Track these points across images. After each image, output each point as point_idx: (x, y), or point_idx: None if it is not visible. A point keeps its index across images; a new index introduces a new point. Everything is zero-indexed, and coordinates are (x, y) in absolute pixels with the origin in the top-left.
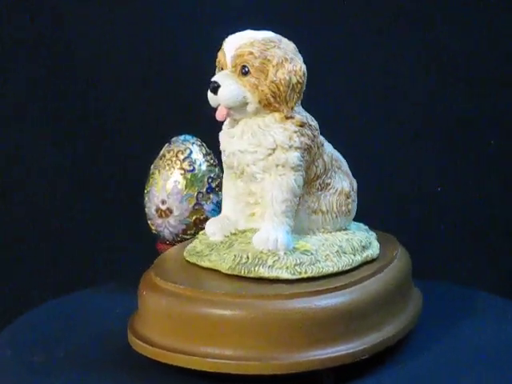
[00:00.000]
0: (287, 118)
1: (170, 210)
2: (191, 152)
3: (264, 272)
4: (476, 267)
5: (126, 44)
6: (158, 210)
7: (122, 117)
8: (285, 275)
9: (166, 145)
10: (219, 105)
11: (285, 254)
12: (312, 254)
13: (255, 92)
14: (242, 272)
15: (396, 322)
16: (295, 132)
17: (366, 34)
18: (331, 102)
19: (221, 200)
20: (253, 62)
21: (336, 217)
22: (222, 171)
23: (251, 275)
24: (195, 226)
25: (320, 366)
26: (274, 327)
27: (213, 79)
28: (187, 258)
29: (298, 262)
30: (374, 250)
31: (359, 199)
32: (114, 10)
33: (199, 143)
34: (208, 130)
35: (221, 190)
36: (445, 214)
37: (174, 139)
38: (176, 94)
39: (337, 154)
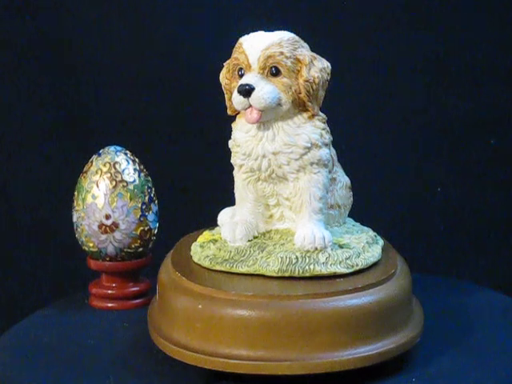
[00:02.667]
0: (313, 115)
1: (115, 225)
2: (128, 163)
3: (320, 269)
4: (476, 267)
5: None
6: (101, 225)
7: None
8: (341, 270)
9: (95, 157)
10: (249, 107)
11: (331, 249)
12: (352, 247)
13: (288, 92)
14: (296, 272)
15: (418, 320)
16: (323, 129)
17: (366, 33)
18: (331, 101)
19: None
20: (285, 62)
21: (345, 211)
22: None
23: (307, 274)
24: (140, 239)
25: (360, 365)
26: (343, 323)
27: (244, 82)
28: (216, 268)
29: (347, 255)
30: (379, 239)
31: (359, 199)
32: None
33: (129, 153)
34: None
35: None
36: (445, 214)
37: (103, 151)
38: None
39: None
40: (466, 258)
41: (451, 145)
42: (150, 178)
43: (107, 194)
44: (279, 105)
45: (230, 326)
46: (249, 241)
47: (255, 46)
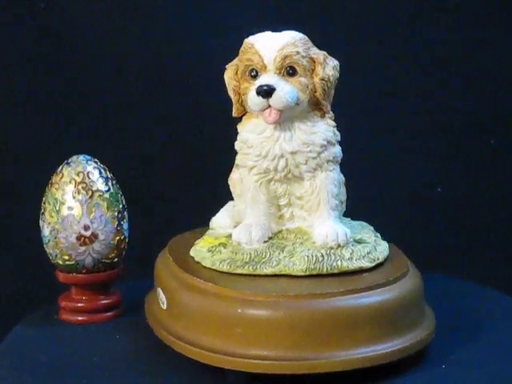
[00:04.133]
0: (325, 113)
1: (94, 236)
2: (100, 171)
3: (348, 265)
4: (476, 267)
5: None
6: (80, 237)
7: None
8: (366, 264)
9: (65, 167)
10: (267, 108)
11: (352, 245)
12: (368, 241)
13: (305, 91)
14: (324, 270)
15: (431, 316)
16: (335, 127)
17: (366, 33)
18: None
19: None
20: (301, 62)
21: (343, 207)
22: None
23: (335, 271)
24: (117, 248)
25: (381, 361)
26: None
27: (264, 83)
28: (237, 271)
29: (368, 250)
30: (377, 233)
31: (359, 199)
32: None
33: (98, 162)
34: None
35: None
36: (445, 214)
37: (72, 160)
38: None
39: None
40: (466, 258)
41: (451, 145)
42: (119, 186)
43: (84, 204)
44: (297, 104)
45: (270, 327)
46: (264, 242)
47: (270, 46)
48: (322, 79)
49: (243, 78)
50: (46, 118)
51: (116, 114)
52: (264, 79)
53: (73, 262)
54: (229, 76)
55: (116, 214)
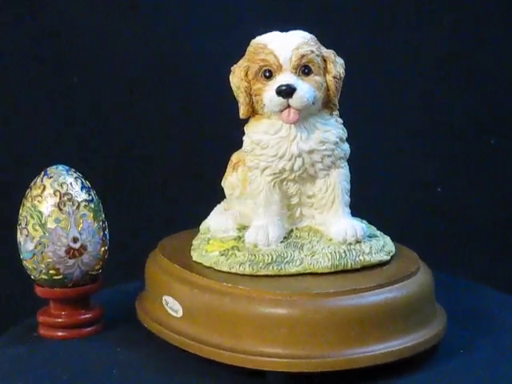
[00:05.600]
0: (333, 111)
1: (83, 247)
2: (81, 181)
3: (370, 259)
4: (476, 267)
5: None
6: (69, 250)
7: None
8: (384, 257)
9: (45, 178)
10: (286, 108)
11: (367, 240)
12: (377, 235)
13: (321, 90)
14: (349, 265)
15: (441, 317)
16: (342, 123)
17: (365, 32)
18: None
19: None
20: (316, 61)
21: None
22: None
23: (358, 266)
24: (102, 260)
25: (393, 359)
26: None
27: (285, 83)
28: (261, 273)
29: (382, 243)
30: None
31: (359, 199)
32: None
33: (76, 171)
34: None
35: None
36: (445, 214)
37: (51, 171)
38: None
39: None
40: (466, 258)
41: (451, 145)
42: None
43: (72, 215)
44: (313, 103)
45: (315, 325)
46: (280, 242)
47: (285, 46)
48: (335, 77)
49: (255, 79)
50: (46, 118)
51: (116, 113)
52: (283, 79)
53: (60, 277)
54: (239, 77)
55: (101, 223)
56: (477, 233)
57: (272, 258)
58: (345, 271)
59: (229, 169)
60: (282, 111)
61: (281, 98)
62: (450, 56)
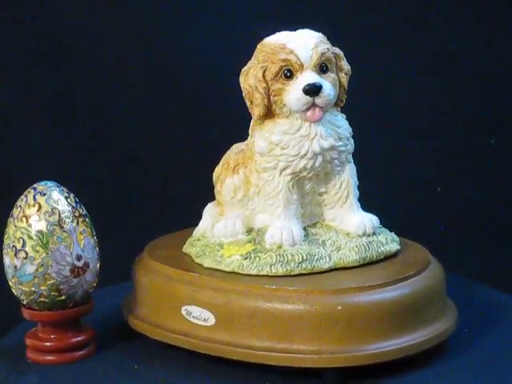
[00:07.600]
0: (338, 107)
1: (86, 265)
2: (73, 197)
3: (389, 249)
4: (476, 267)
5: None
6: (74, 269)
7: None
8: (397, 247)
9: (38, 196)
10: (312, 106)
11: (379, 231)
12: (383, 227)
13: (336, 86)
14: (374, 257)
15: (450, 314)
16: (347, 119)
17: (365, 32)
18: None
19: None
20: (332, 59)
21: None
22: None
23: (381, 257)
24: (97, 276)
25: (402, 355)
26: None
27: (311, 81)
28: (295, 272)
29: (389, 234)
30: None
31: (359, 198)
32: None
33: (62, 188)
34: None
35: None
36: (445, 214)
37: (41, 188)
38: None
39: None
40: (466, 258)
41: (451, 145)
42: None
43: (73, 233)
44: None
45: (372, 317)
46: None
47: (304, 45)
48: (346, 74)
49: (275, 79)
50: (46, 119)
51: (115, 114)
52: (308, 78)
53: (63, 298)
54: (255, 78)
55: (96, 238)
56: (477, 232)
57: (302, 257)
58: (370, 263)
59: (226, 172)
60: (307, 110)
61: (308, 97)
62: (451, 56)
